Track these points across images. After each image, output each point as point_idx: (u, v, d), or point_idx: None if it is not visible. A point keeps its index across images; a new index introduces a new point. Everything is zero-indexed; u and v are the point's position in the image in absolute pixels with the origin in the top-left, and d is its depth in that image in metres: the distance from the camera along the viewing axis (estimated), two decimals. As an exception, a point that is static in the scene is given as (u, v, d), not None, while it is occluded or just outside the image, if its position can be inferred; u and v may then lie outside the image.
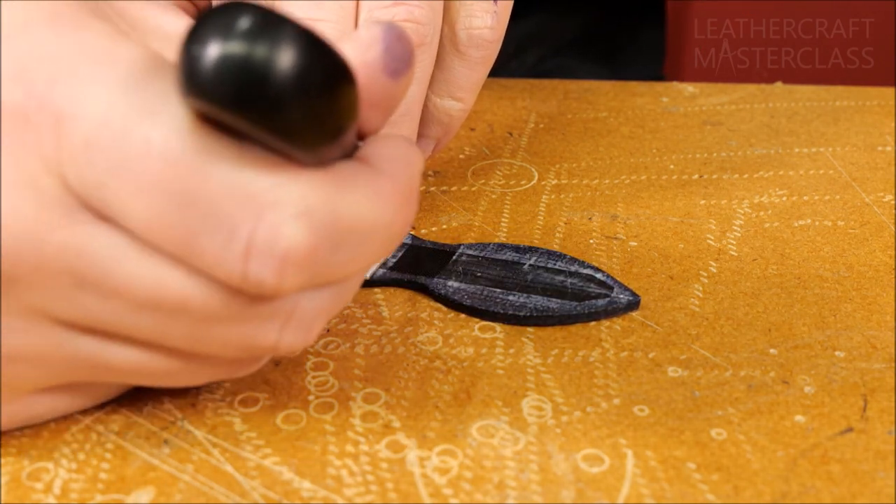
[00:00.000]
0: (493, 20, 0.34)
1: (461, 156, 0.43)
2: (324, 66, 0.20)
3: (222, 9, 0.19)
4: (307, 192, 0.21)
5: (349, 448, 0.26)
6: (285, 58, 0.19)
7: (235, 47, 0.18)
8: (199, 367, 0.24)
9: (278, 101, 0.19)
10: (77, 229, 0.21)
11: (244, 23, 0.19)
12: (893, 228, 0.37)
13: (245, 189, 0.20)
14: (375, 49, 0.22)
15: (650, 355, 0.30)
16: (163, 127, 0.20)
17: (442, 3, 0.32)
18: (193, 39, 0.19)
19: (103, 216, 0.21)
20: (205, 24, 0.19)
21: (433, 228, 0.37)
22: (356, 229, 0.22)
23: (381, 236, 0.23)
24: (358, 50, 0.22)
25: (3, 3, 0.22)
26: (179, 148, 0.20)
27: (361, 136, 0.24)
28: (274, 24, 0.19)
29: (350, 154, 0.23)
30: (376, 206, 0.22)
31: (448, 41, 0.34)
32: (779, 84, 0.52)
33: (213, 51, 0.18)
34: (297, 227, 0.21)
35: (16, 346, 0.22)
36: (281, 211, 0.20)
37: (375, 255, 0.23)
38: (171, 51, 0.23)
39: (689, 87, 0.51)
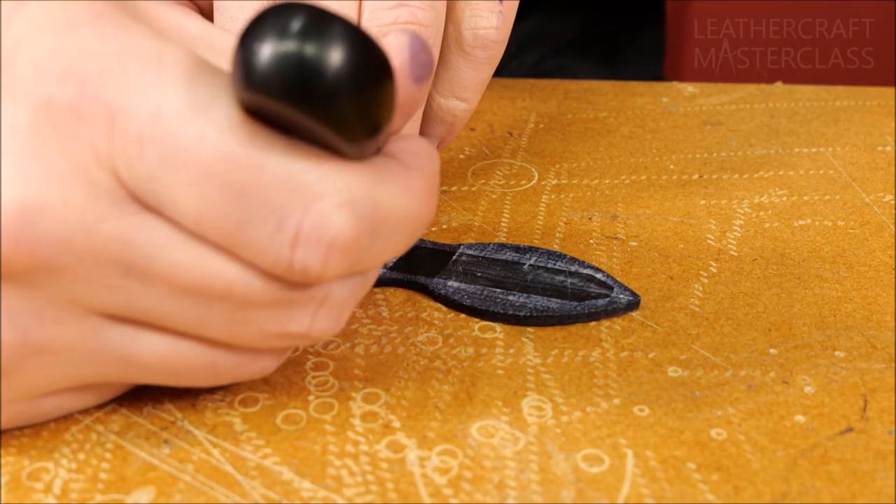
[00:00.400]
0: (499, 20, 0.34)
1: (461, 156, 0.43)
2: (372, 63, 0.21)
3: (277, 8, 0.20)
4: (351, 184, 0.22)
5: (349, 448, 0.26)
6: (338, 53, 0.20)
7: (292, 43, 0.20)
8: (228, 360, 0.25)
9: (333, 94, 0.20)
10: (126, 220, 0.22)
11: (299, 21, 0.20)
12: (893, 228, 0.37)
13: (294, 180, 0.21)
14: (403, 55, 0.23)
15: (650, 355, 0.30)
16: (216, 122, 0.21)
17: (444, 4, 0.32)
18: (251, 37, 0.20)
19: (151, 208, 0.22)
20: (262, 22, 0.20)
21: (433, 228, 0.37)
22: (391, 219, 0.23)
23: (410, 227, 0.24)
24: (389, 53, 0.23)
25: (47, 3, 0.23)
26: (232, 141, 0.21)
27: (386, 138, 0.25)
28: (327, 22, 0.20)
29: (379, 151, 0.24)
30: (407, 197, 0.23)
31: (453, 41, 0.34)
32: (779, 84, 0.52)
33: (272, 47, 0.20)
34: (343, 216, 0.22)
35: (46, 337, 0.23)
36: (328, 201, 0.22)
37: (403, 245, 0.24)
38: (200, 52, 0.24)
39: (689, 87, 0.51)
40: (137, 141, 0.21)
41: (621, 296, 0.32)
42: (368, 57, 0.21)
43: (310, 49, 0.20)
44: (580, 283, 0.32)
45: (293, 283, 0.23)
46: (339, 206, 0.22)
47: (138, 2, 0.25)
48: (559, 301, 0.32)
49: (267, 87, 0.20)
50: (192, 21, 0.25)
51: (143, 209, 0.22)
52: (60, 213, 0.21)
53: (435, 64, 0.33)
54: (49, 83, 0.22)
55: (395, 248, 0.24)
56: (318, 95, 0.20)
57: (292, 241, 0.22)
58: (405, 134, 0.25)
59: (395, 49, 0.23)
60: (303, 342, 0.25)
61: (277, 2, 0.21)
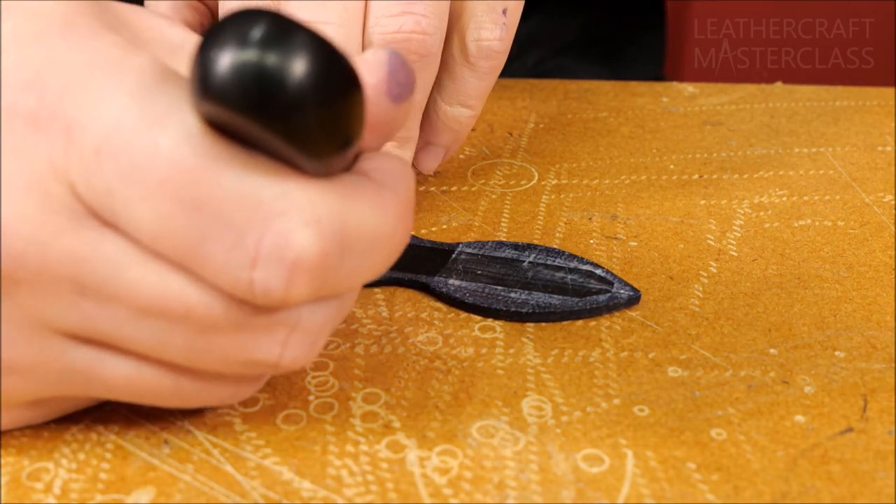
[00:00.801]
0: (502, 32, 0.34)
1: (461, 156, 0.43)
2: (337, 74, 0.20)
3: (239, 15, 0.19)
4: (316, 201, 0.21)
5: (349, 448, 0.26)
6: (301, 63, 0.19)
7: (252, 51, 0.19)
8: (193, 386, 0.24)
9: (293, 106, 0.19)
10: (82, 235, 0.21)
11: (261, 28, 0.19)
12: (893, 228, 0.37)
13: (254, 196, 0.20)
14: (380, 72, 0.22)
15: (650, 355, 0.30)
16: (172, 133, 0.20)
17: (447, 12, 0.32)
18: (210, 44, 0.19)
19: (109, 224, 0.21)
20: (222, 29, 0.19)
21: (433, 228, 0.37)
22: (362, 239, 0.22)
23: (385, 247, 0.23)
24: (363, 72, 0.22)
25: (19, 12, 0.22)
26: (189, 154, 0.20)
27: (357, 157, 0.24)
28: (290, 31, 0.19)
29: (349, 170, 0.23)
30: (380, 216, 0.22)
31: (458, 51, 0.34)
32: (779, 84, 0.52)
33: (231, 55, 0.19)
34: (307, 234, 0.21)
35: (12, 357, 0.22)
36: (290, 218, 0.20)
37: (378, 267, 0.23)
38: (177, 62, 0.23)
39: (689, 87, 0.51)
40: (94, 154, 0.21)
41: (622, 291, 0.32)
42: (333, 69, 0.20)
43: (270, 59, 0.19)
44: (580, 280, 0.33)
45: (258, 306, 0.22)
46: (303, 224, 0.21)
47: (122, 8, 0.24)
48: (560, 297, 0.32)
49: (224, 97, 0.19)
50: (175, 30, 0.25)
51: (101, 225, 0.21)
52: (16, 226, 0.21)
53: (434, 68, 0.33)
54: (11, 93, 0.21)
55: (369, 270, 0.23)
56: (278, 108, 0.19)
57: (251, 260, 0.21)
58: (380, 152, 0.24)
59: (373, 65, 0.22)
60: (273, 371, 0.23)
61: (242, 8, 0.20)
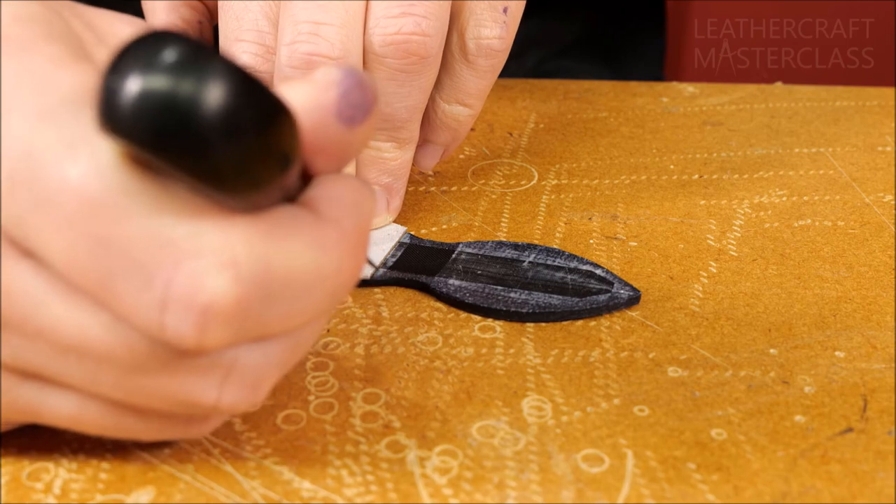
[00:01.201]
0: (502, 30, 0.34)
1: (461, 156, 0.43)
2: (255, 107, 0.18)
3: (146, 38, 0.18)
4: (234, 241, 0.19)
5: (349, 448, 0.26)
6: (212, 95, 0.17)
7: (156, 81, 0.17)
8: (139, 422, 0.23)
9: (202, 143, 0.18)
10: (1, 266, 0.20)
11: (169, 55, 0.17)
12: (893, 228, 0.37)
13: (164, 235, 0.19)
14: (330, 93, 0.21)
15: (650, 355, 0.30)
16: (82, 164, 0.19)
17: (448, 13, 0.32)
18: (112, 71, 0.17)
19: (27, 253, 0.20)
20: (125, 54, 0.17)
21: (433, 228, 0.37)
22: (294, 280, 0.20)
23: (325, 287, 0.21)
24: (312, 91, 0.21)
25: None
26: (97, 187, 0.19)
27: (308, 178, 0.22)
28: (201, 58, 0.17)
29: (294, 196, 0.22)
30: (317, 255, 0.21)
31: (457, 49, 0.34)
32: (779, 84, 0.52)
33: (132, 85, 0.17)
34: (220, 278, 0.19)
35: None
36: (202, 260, 0.19)
37: (321, 307, 0.22)
38: None
39: (689, 87, 0.51)
40: (8, 181, 0.19)
41: (622, 291, 0.32)
42: (250, 99, 0.18)
43: (177, 87, 0.17)
44: (580, 280, 0.33)
45: (179, 350, 0.21)
46: (215, 267, 0.19)
47: (90, 12, 0.24)
48: (560, 297, 0.32)
49: (125, 130, 0.17)
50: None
51: (20, 255, 0.20)
52: None
53: (434, 70, 0.33)
54: None
55: (311, 309, 0.21)
56: (186, 143, 0.17)
57: (160, 304, 0.19)
58: (335, 175, 0.22)
59: (323, 85, 0.21)
60: (215, 413, 0.22)
61: (150, 30, 0.18)
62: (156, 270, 0.19)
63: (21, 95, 0.20)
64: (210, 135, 0.17)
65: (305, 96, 0.21)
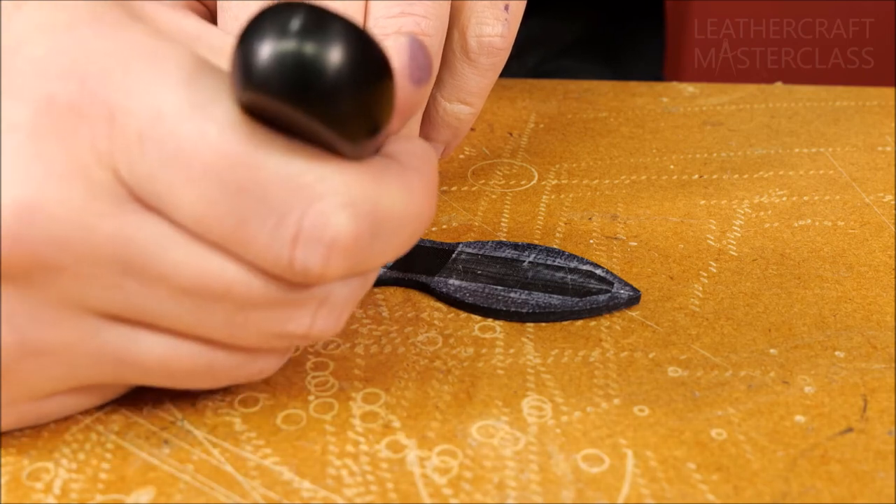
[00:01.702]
0: (504, 28, 0.34)
1: (461, 156, 0.43)
2: (372, 62, 0.21)
3: (277, 7, 0.20)
4: (351, 184, 0.22)
5: (349, 448, 0.26)
6: (338, 52, 0.20)
7: (292, 42, 0.20)
8: (225, 362, 0.24)
9: (332, 92, 0.20)
10: (126, 219, 0.22)
11: (299, 19, 0.20)
12: (893, 228, 0.37)
13: (295, 179, 0.21)
14: (402, 57, 0.23)
15: (650, 355, 0.30)
16: (216, 120, 0.21)
17: (448, 12, 0.32)
18: (251, 36, 0.20)
19: (152, 207, 0.22)
20: (261, 21, 0.20)
21: (433, 228, 0.37)
22: (391, 219, 0.23)
23: (411, 227, 0.24)
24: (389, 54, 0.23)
25: (44, 5, 0.23)
26: (234, 140, 0.21)
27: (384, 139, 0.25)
28: (327, 21, 0.20)
29: (378, 152, 0.24)
30: (407, 197, 0.23)
31: (458, 47, 0.34)
32: (779, 84, 0.52)
33: (271, 45, 0.20)
34: (344, 216, 0.22)
35: (44, 338, 0.23)
36: (328, 200, 0.22)
37: (405, 246, 0.24)
38: (195, 50, 0.24)
39: (689, 87, 0.51)
40: (137, 139, 0.21)
41: (622, 291, 0.32)
42: (368, 56, 0.21)
43: (309, 48, 0.20)
44: (580, 280, 0.33)
45: (293, 283, 0.23)
46: (339, 207, 0.22)
47: (137, 2, 0.25)
48: (560, 297, 0.32)
49: (267, 85, 0.20)
50: (190, 21, 0.25)
51: (143, 208, 0.22)
52: (60, 212, 0.21)
53: (435, 68, 0.33)
54: (50, 81, 0.22)
55: (397, 248, 0.24)
56: (318, 94, 0.20)
57: (292, 240, 0.22)
58: (403, 135, 0.25)
59: (395, 51, 0.23)
60: (303, 342, 0.25)
61: (277, 1, 0.21)
62: (289, 210, 0.21)
63: (141, 63, 0.22)
64: (338, 85, 0.20)
65: None
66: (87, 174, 0.22)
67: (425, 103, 0.24)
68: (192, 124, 0.21)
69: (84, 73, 0.22)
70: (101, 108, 0.21)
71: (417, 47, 0.24)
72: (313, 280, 0.22)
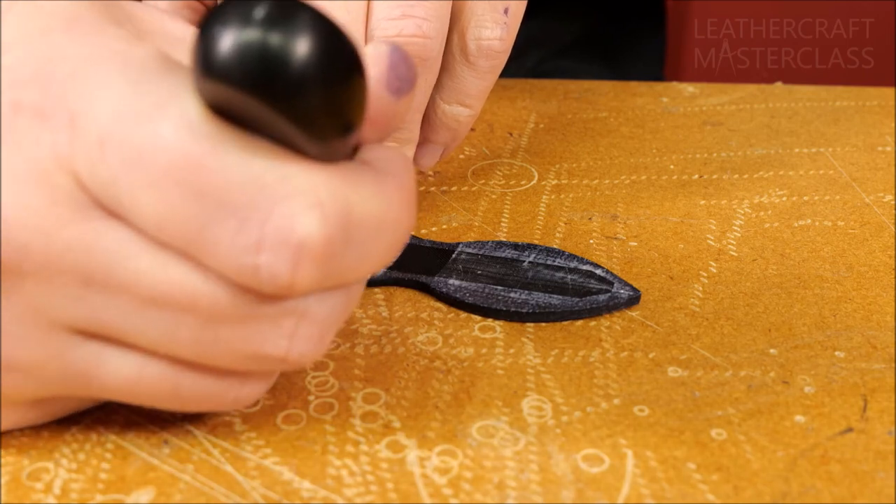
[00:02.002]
0: (503, 31, 0.34)
1: (461, 156, 0.43)
2: (342, 56, 0.20)
3: None
4: (320, 184, 0.21)
5: (349, 448, 0.26)
6: (306, 42, 0.19)
7: (256, 29, 0.19)
8: (197, 385, 0.23)
9: (297, 85, 0.19)
10: (87, 225, 0.21)
11: (265, 7, 0.19)
12: (893, 228, 0.37)
13: (257, 180, 0.20)
14: (381, 65, 0.22)
15: (650, 355, 0.30)
16: (173, 120, 0.20)
17: (449, 15, 0.32)
18: (213, 22, 0.19)
19: (114, 213, 0.21)
20: (225, 8, 0.19)
21: (433, 228, 0.37)
22: (366, 225, 0.22)
23: (389, 234, 0.23)
24: (366, 61, 0.22)
25: (24, 10, 0.23)
26: (190, 140, 0.20)
27: (358, 147, 0.24)
28: (294, 10, 0.19)
29: (351, 158, 0.23)
30: (383, 202, 0.22)
31: (457, 50, 0.34)
32: (779, 84, 0.52)
33: (234, 32, 0.19)
34: (311, 217, 0.20)
35: (14, 354, 0.22)
36: (294, 202, 0.20)
37: (384, 256, 0.23)
38: (179, 55, 0.23)
39: (689, 87, 0.51)
40: (98, 143, 0.21)
41: (622, 291, 0.32)
42: (338, 49, 0.20)
43: (275, 37, 0.19)
44: (580, 279, 0.33)
45: (264, 295, 0.22)
46: (306, 208, 0.20)
47: (126, 4, 0.25)
48: (560, 297, 0.32)
49: (227, 75, 0.19)
50: (176, 24, 0.25)
51: (105, 215, 0.21)
52: (20, 217, 0.21)
53: (435, 70, 0.33)
54: (17, 88, 0.21)
55: (375, 257, 0.23)
56: (283, 86, 0.19)
57: (256, 244, 0.20)
58: (381, 144, 0.24)
59: (374, 58, 0.22)
60: (282, 366, 0.23)
61: None
62: (251, 213, 0.20)
63: (105, 66, 0.21)
64: (304, 77, 0.19)
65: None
66: (49, 180, 0.21)
67: (406, 115, 0.23)
68: (147, 126, 0.20)
69: (49, 79, 0.21)
70: (63, 113, 0.21)
71: (399, 57, 0.23)
72: (283, 289, 0.21)
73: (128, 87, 0.21)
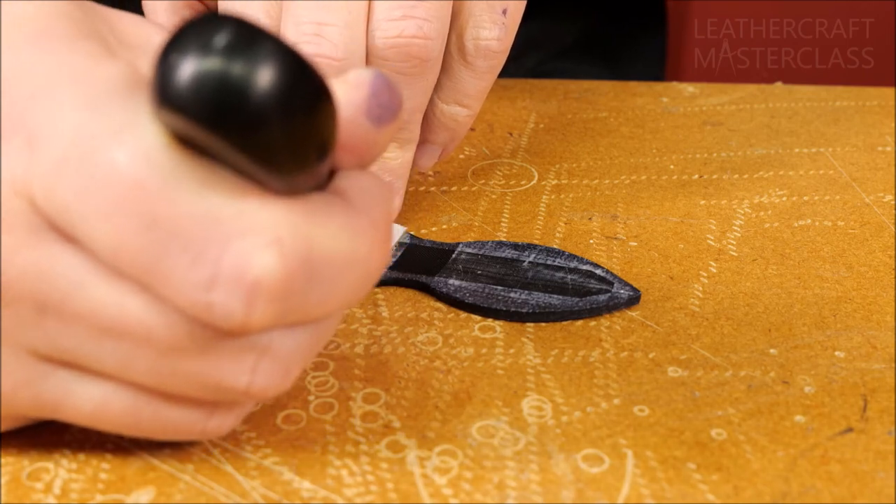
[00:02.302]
0: (501, 31, 0.33)
1: (461, 156, 0.43)
2: (304, 87, 0.19)
3: (202, 20, 0.18)
4: (280, 221, 0.20)
5: (349, 448, 0.26)
6: (266, 74, 0.18)
7: (215, 59, 0.18)
8: (164, 413, 0.23)
9: (256, 119, 0.18)
10: (41, 250, 0.21)
11: (225, 35, 0.18)
12: (893, 228, 0.37)
13: (213, 214, 0.20)
14: (361, 92, 0.22)
15: (650, 355, 0.30)
16: (130, 148, 0.20)
17: (449, 16, 0.32)
18: (171, 49, 0.18)
19: (70, 239, 0.21)
20: (184, 34, 0.18)
21: (433, 228, 0.37)
22: (331, 263, 0.21)
23: (357, 272, 0.22)
24: (345, 89, 0.21)
25: (4, 20, 0.22)
26: (145, 169, 0.20)
27: (332, 174, 0.23)
28: (255, 39, 0.18)
29: (322, 187, 0.22)
30: (352, 239, 0.21)
31: (455, 50, 0.34)
32: (779, 84, 0.52)
33: (192, 62, 0.18)
34: (269, 255, 0.20)
35: None
36: (251, 238, 0.20)
37: (351, 294, 0.22)
38: None
39: (689, 87, 0.51)
40: (54, 167, 0.20)
41: (622, 291, 0.32)
42: (300, 81, 0.19)
43: (233, 69, 0.18)
44: (580, 279, 0.33)
45: (223, 331, 0.21)
46: (263, 245, 0.20)
47: (111, 14, 0.24)
48: (560, 297, 0.32)
49: (183, 107, 0.18)
50: (163, 37, 0.24)
51: (60, 239, 0.21)
52: None
53: (435, 72, 0.33)
54: None
55: (342, 295, 0.22)
56: (240, 121, 0.18)
57: (210, 282, 0.20)
58: (358, 171, 0.23)
59: (354, 84, 0.22)
60: (246, 399, 0.22)
61: (207, 12, 0.19)
62: (204, 249, 0.20)
63: (66, 87, 0.21)
64: (264, 110, 0.18)
65: (338, 93, 0.21)
66: (5, 203, 0.20)
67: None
68: (105, 152, 0.20)
69: (10, 96, 0.21)
70: (22, 133, 0.20)
71: (382, 84, 0.22)
72: (237, 328, 0.20)
73: (87, 110, 0.20)
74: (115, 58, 0.22)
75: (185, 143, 0.20)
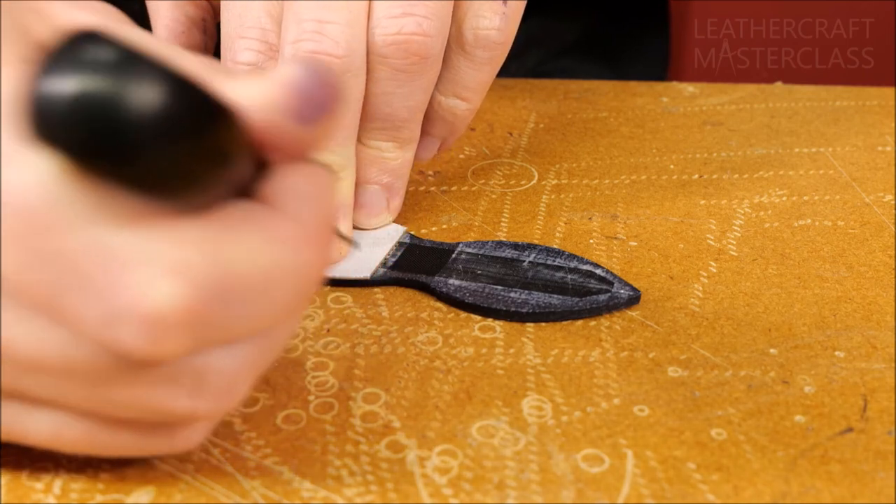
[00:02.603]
0: (501, 21, 0.33)
1: (461, 156, 0.43)
2: (188, 107, 0.18)
3: (72, 40, 0.17)
4: (183, 245, 0.19)
5: (349, 448, 0.26)
6: (140, 98, 0.17)
7: (81, 85, 0.16)
8: (120, 436, 0.22)
9: (130, 148, 0.17)
10: None
11: (94, 58, 0.17)
12: (893, 228, 0.37)
13: (108, 246, 0.18)
14: (284, 91, 0.20)
15: (650, 355, 0.30)
16: (21, 173, 0.18)
17: (450, 13, 0.32)
18: (42, 73, 0.17)
19: None
20: (55, 55, 0.17)
21: (433, 228, 0.37)
22: (253, 280, 0.20)
23: (289, 285, 0.20)
24: (267, 88, 0.20)
25: None
26: (35, 198, 0.18)
27: (265, 167, 0.22)
28: (127, 61, 0.17)
29: (250, 187, 0.21)
30: (276, 251, 0.20)
31: (454, 40, 0.33)
32: (779, 84, 0.52)
33: (55, 90, 0.16)
34: (168, 285, 0.18)
35: None
36: (147, 269, 0.18)
37: (287, 306, 0.21)
38: None
39: (689, 87, 0.51)
40: None
41: (622, 291, 0.32)
42: (181, 101, 0.17)
43: (105, 91, 0.16)
44: (580, 279, 0.33)
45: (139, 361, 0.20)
46: (163, 275, 0.18)
47: (49, 8, 0.22)
48: (560, 297, 0.32)
49: (55, 140, 0.17)
50: (86, 15, 0.23)
51: None
52: None
53: (436, 70, 0.33)
54: None
55: (273, 310, 0.20)
56: (112, 149, 0.17)
57: (109, 318, 0.19)
58: (294, 167, 0.22)
59: (277, 82, 0.20)
60: (195, 421, 0.22)
61: (77, 32, 0.17)
62: (101, 283, 0.18)
63: None
64: (138, 139, 0.17)
65: (258, 93, 0.20)
66: None
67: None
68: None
69: None
70: None
71: (315, 81, 0.20)
72: (149, 360, 0.19)
73: None
74: (27, 64, 0.20)
75: (79, 169, 0.18)
